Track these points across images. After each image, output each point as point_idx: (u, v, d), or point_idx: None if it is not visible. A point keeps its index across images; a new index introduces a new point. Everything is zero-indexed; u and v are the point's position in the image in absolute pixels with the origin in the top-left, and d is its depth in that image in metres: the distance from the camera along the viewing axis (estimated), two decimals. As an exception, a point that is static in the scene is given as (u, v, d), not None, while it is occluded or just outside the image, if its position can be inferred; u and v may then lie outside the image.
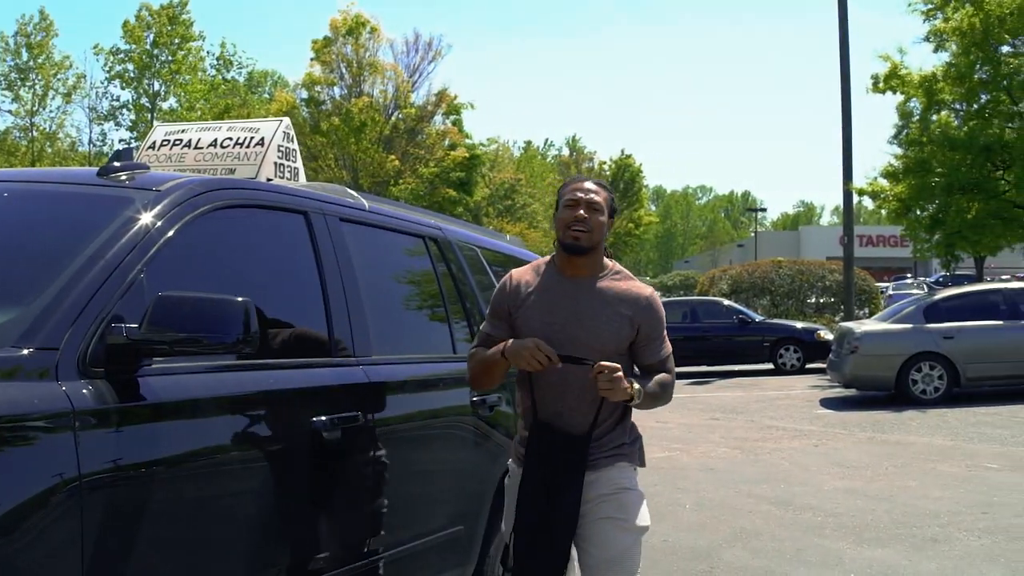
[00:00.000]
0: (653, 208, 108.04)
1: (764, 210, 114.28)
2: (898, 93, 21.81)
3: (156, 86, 39.10)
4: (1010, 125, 19.94)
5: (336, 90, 35.53)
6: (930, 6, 21.20)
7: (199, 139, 4.24)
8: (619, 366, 3.12)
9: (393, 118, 35.70)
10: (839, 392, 16.16)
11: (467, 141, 37.56)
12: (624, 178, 65.55)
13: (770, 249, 74.72)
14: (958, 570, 5.93)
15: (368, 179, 33.35)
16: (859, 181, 23.27)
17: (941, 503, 7.78)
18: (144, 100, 39.05)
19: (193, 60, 38.72)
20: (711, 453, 10.69)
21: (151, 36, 38.69)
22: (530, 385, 3.31)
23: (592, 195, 3.29)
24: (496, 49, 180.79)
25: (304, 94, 35.63)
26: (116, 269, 2.65)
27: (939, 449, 10.50)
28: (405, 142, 35.42)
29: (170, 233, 2.86)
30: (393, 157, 33.93)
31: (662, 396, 3.40)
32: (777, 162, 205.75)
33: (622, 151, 73.65)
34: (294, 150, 4.28)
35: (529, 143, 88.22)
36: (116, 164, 3.21)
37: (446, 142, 36.13)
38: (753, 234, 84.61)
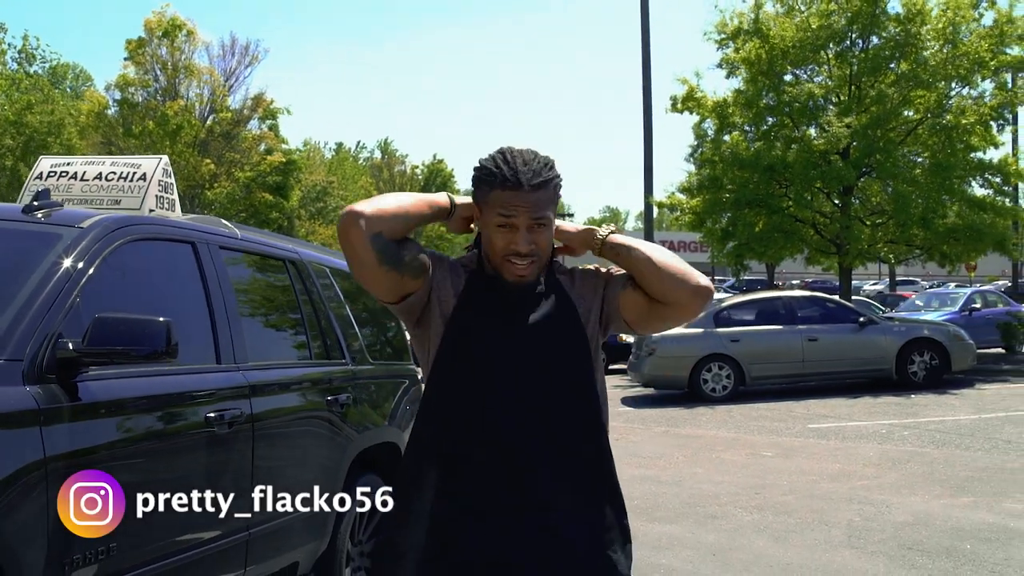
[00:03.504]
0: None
1: (572, 215, 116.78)
2: (694, 114, 23.46)
3: (-48, 80, 37.47)
4: (792, 147, 21.77)
5: (154, 92, 35.03)
6: (723, 36, 22.93)
7: (84, 172, 4.81)
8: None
9: (209, 122, 35.50)
10: (639, 391, 17.44)
11: (284, 146, 37.67)
12: (436, 182, 66.56)
13: (577, 254, 76.97)
14: (732, 539, 7.02)
15: (183, 183, 33.04)
16: (659, 194, 24.91)
17: (722, 486, 8.95)
18: (-60, 94, 37.36)
19: (-7, 53, 37.28)
20: (523, 448, 11.58)
21: (-53, 28, 37.05)
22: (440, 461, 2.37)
23: (537, 210, 2.32)
24: (310, 52, 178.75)
25: (117, 95, 35.02)
26: (59, 295, 3.30)
27: (724, 440, 11.80)
28: (221, 146, 35.29)
29: (96, 263, 3.52)
30: (208, 161, 33.79)
31: (661, 250, 2.44)
32: (585, 168, 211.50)
33: (434, 156, 74.59)
34: (171, 184, 4.90)
35: (341, 145, 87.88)
36: (36, 203, 3.83)
37: (262, 147, 36.16)
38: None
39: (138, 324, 3.23)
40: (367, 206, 2.32)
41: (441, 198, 2.48)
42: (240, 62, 36.73)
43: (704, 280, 2.38)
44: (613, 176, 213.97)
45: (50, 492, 2.96)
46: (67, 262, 3.43)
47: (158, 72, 34.99)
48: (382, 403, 5.64)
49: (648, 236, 24.87)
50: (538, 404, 2.35)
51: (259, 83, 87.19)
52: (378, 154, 79.69)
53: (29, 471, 2.90)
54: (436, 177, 66.42)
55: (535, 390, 2.35)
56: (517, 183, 2.31)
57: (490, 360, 2.36)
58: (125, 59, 34.94)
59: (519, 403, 2.34)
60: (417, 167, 67.98)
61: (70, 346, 3.17)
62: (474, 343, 2.38)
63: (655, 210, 25.87)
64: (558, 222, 2.48)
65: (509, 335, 2.38)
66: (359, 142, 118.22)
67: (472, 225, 2.50)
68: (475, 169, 2.41)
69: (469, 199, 2.47)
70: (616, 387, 18.56)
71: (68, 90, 56.80)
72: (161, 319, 3.27)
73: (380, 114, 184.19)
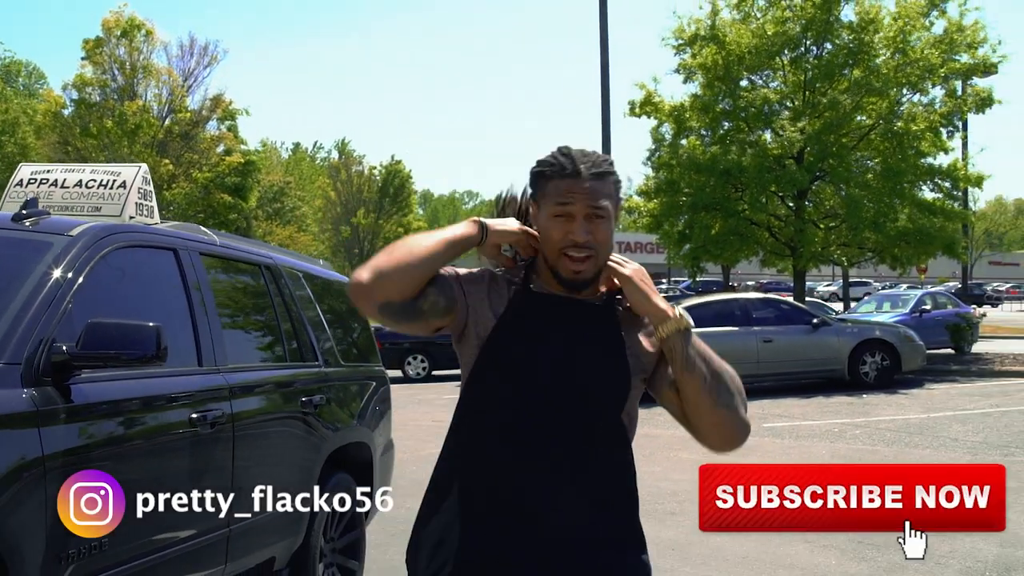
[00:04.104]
0: (421, 212, 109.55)
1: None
2: (652, 118, 23.76)
3: (-95, 79, 37.01)
4: (748, 151, 22.10)
5: (111, 92, 34.77)
6: (680, 42, 23.24)
7: (65, 179, 4.91)
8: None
9: (167, 122, 35.32)
10: (598, 392, 17.68)
11: (242, 147, 37.56)
12: (394, 184, 66.47)
13: (535, 255, 77.03)
14: (689, 535, 7.25)
15: (141, 183, 32.86)
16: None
17: (680, 484, 9.19)
18: None
19: (-54, 52, 36.86)
20: (485, 448, 11.77)
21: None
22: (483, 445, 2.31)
23: (596, 199, 2.25)
24: (267, 50, 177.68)
25: (75, 94, 34.76)
26: (53, 301, 3.45)
27: (681, 439, 12.03)
28: (180, 147, 35.13)
29: (86, 270, 3.67)
30: (167, 162, 33.63)
31: (724, 371, 2.40)
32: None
33: (392, 157, 74.49)
34: (150, 191, 5.01)
35: (298, 145, 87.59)
36: (24, 212, 3.97)
37: (220, 148, 36.04)
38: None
39: (130, 329, 3.39)
40: (368, 273, 2.23)
41: (466, 229, 2.34)
42: (199, 62, 36.65)
43: (741, 438, 2.41)
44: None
45: (48, 489, 3.12)
46: (59, 269, 3.58)
47: (116, 72, 34.77)
48: (351, 404, 5.80)
49: (606, 238, 25.14)
50: (563, 423, 2.27)
51: (218, 84, 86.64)
52: (335, 154, 79.51)
53: (29, 469, 3.06)
54: (394, 178, 66.34)
55: (565, 408, 2.27)
56: (575, 171, 2.26)
57: (524, 371, 2.28)
58: (82, 59, 34.76)
59: (545, 419, 2.26)
60: (375, 168, 67.85)
61: (64, 350, 3.33)
62: (511, 358, 2.29)
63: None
64: (643, 285, 2.34)
65: (547, 352, 2.28)
66: (316, 142, 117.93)
67: (525, 237, 2.40)
68: (534, 165, 2.36)
69: (505, 224, 2.39)
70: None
71: (21, 88, 56.17)
72: (151, 324, 3.43)
73: (338, 114, 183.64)
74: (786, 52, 22.67)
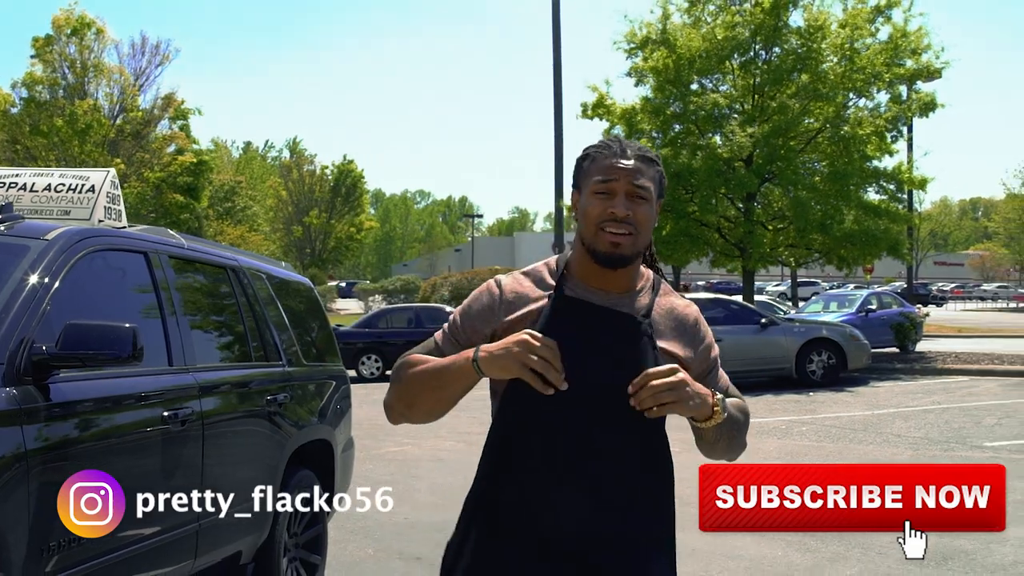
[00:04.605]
0: (373, 211, 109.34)
1: (480, 216, 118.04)
2: (604, 120, 24.06)
3: None
4: (698, 154, 22.43)
5: (60, 91, 34.42)
6: (632, 45, 23.58)
7: (34, 183, 5.00)
8: (675, 367, 2.24)
9: (119, 121, 35.03)
10: (551, 390, 17.87)
11: (194, 147, 37.35)
12: (346, 183, 66.30)
13: (486, 254, 77.13)
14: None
15: (91, 182, 32.55)
16: (570, 197, 25.38)
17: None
18: None
19: None
20: (439, 446, 11.87)
21: None
22: (510, 457, 2.33)
23: (639, 178, 2.26)
24: (217, 49, 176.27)
25: (24, 93, 34.37)
26: (32, 302, 3.58)
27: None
28: (131, 146, 34.86)
29: (62, 273, 3.80)
30: (119, 161, 33.35)
31: (744, 425, 2.50)
32: (496, 171, 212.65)
33: (344, 156, 74.25)
34: (118, 196, 5.13)
35: (249, 144, 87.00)
36: (0, 216, 4.10)
37: (172, 147, 35.82)
38: (470, 239, 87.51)
39: (107, 330, 3.53)
40: (392, 413, 2.49)
41: (459, 368, 2.29)
42: (150, 61, 36.45)
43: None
44: (524, 178, 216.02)
45: (31, 485, 3.25)
46: (37, 272, 3.71)
47: (66, 70, 34.46)
48: (313, 402, 5.95)
49: (559, 240, 25.43)
50: (602, 442, 2.27)
51: (169, 83, 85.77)
52: (287, 154, 79.16)
53: (13, 465, 3.19)
54: (346, 178, 66.19)
55: (603, 427, 2.27)
56: (621, 151, 2.29)
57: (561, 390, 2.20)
58: (32, 57, 34.42)
59: (584, 437, 2.26)
60: (327, 167, 67.64)
61: (44, 350, 3.46)
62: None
63: (564, 212, 26.45)
64: (689, 405, 2.25)
65: (585, 371, 2.23)
66: (267, 141, 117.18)
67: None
68: (581, 152, 2.39)
69: (500, 350, 2.20)
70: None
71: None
72: (127, 325, 3.57)
73: (289, 113, 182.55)
74: (736, 56, 23.07)
